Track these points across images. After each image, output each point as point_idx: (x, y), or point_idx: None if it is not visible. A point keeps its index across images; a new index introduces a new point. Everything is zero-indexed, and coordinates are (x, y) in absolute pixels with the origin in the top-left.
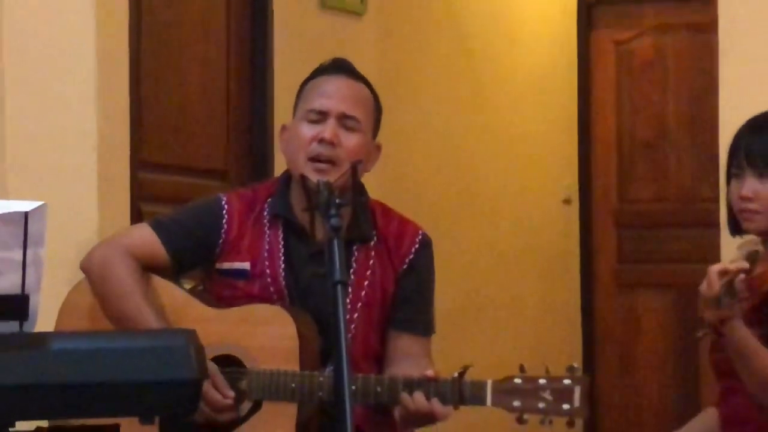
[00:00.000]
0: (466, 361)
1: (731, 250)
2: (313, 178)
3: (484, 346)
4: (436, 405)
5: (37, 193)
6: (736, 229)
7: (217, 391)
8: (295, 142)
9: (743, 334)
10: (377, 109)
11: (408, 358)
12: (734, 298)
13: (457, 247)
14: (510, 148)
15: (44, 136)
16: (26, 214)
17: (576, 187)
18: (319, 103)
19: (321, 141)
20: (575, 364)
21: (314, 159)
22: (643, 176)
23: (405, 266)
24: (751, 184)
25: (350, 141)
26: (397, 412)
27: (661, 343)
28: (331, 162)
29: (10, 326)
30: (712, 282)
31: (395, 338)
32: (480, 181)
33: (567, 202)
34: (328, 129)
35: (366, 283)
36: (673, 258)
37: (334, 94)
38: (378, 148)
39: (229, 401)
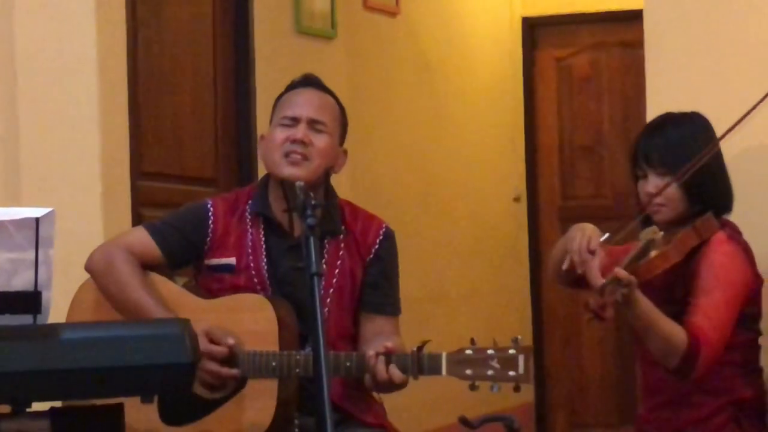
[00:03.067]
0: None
1: None
2: (288, 171)
3: (443, 330)
4: (394, 373)
5: (48, 201)
6: (647, 222)
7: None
8: (271, 145)
9: (643, 306)
10: (343, 117)
11: (380, 337)
12: (617, 286)
13: (419, 241)
14: (465, 153)
15: (54, 151)
16: (37, 220)
17: (524, 186)
18: (291, 110)
19: (294, 141)
20: (519, 336)
21: (288, 154)
22: (583, 176)
23: (371, 256)
24: (654, 182)
25: (319, 141)
26: (366, 382)
27: (600, 323)
28: (304, 157)
29: (25, 319)
30: (594, 276)
31: (368, 320)
32: (438, 182)
33: (516, 200)
34: (299, 131)
35: (337, 271)
36: None
37: (304, 102)
38: (345, 153)
39: (231, 347)
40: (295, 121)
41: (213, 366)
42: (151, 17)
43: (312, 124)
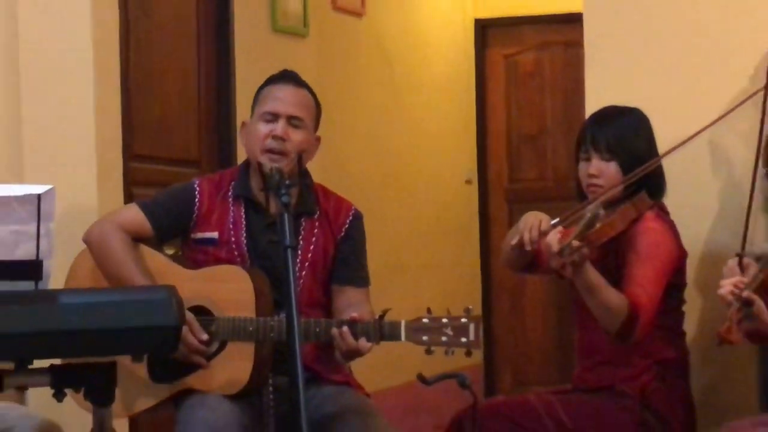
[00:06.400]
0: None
1: None
2: (268, 164)
3: (404, 298)
4: (360, 341)
5: (48, 179)
6: (583, 199)
7: (193, 335)
8: (253, 136)
9: (591, 274)
10: (317, 109)
11: (352, 306)
12: (573, 249)
13: (381, 219)
14: (422, 140)
15: (54, 135)
16: (39, 196)
17: (475, 171)
18: (272, 106)
19: (274, 137)
20: (470, 306)
21: (269, 150)
22: (528, 161)
23: (342, 234)
24: (596, 165)
25: (297, 136)
26: (336, 356)
27: (542, 293)
28: (282, 153)
29: (27, 285)
30: (554, 242)
31: (340, 291)
32: (399, 166)
33: (468, 182)
34: (279, 127)
35: (311, 247)
36: None
37: (283, 99)
38: (318, 139)
39: (203, 342)
40: (275, 116)
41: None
42: (141, 17)
43: (290, 120)
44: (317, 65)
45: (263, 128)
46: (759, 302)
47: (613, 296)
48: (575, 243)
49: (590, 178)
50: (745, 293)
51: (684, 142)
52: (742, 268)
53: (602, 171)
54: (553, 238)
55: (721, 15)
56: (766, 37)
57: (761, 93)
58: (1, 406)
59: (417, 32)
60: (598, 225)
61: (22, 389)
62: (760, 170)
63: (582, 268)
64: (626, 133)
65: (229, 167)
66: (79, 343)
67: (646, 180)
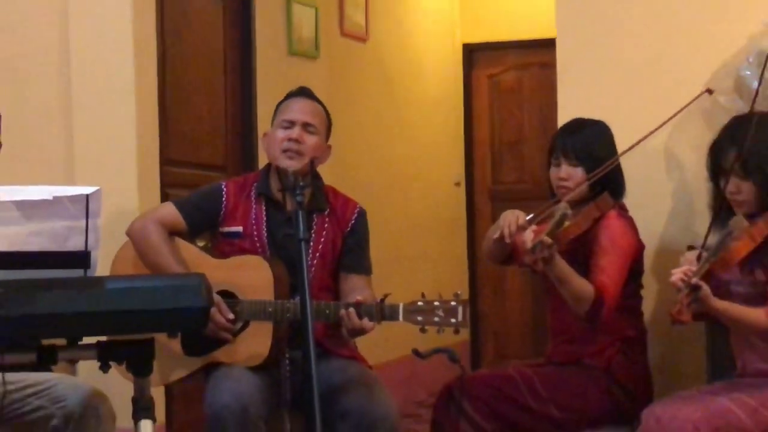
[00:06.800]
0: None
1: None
2: (285, 164)
3: (401, 284)
4: (366, 323)
5: (96, 181)
6: (553, 198)
7: (221, 315)
8: (272, 142)
9: (561, 266)
10: (328, 120)
11: (356, 291)
12: (544, 247)
13: (383, 216)
14: (418, 148)
15: (100, 143)
16: (88, 196)
17: (463, 174)
18: (289, 115)
19: (290, 140)
20: (459, 291)
21: (286, 150)
22: (508, 166)
23: (348, 228)
24: (566, 170)
25: (310, 140)
26: (343, 332)
27: (520, 280)
28: (297, 152)
29: (77, 273)
30: (527, 240)
31: (346, 278)
32: (398, 171)
33: (457, 184)
34: (295, 131)
35: (322, 239)
36: None
37: (299, 110)
38: (329, 147)
39: (230, 321)
40: (292, 124)
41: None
42: (175, 43)
43: (305, 126)
44: (327, 84)
45: (281, 134)
46: (705, 288)
47: (581, 284)
48: (546, 240)
49: (560, 181)
50: (694, 280)
51: (638, 142)
52: (700, 259)
53: (571, 175)
54: (527, 236)
55: (673, 41)
56: (710, 59)
57: (708, 104)
58: (54, 376)
59: (413, 55)
60: (566, 223)
61: (73, 362)
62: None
63: (553, 262)
64: (591, 142)
65: (251, 171)
66: (122, 322)
67: (608, 183)
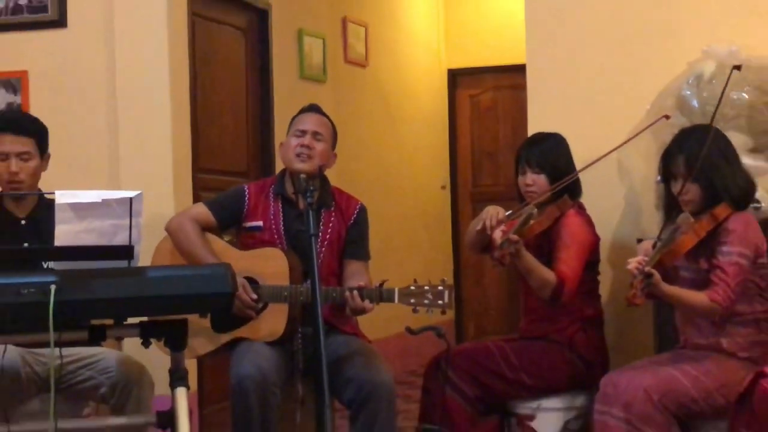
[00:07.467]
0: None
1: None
2: (298, 166)
3: (395, 271)
4: (366, 304)
5: (138, 186)
6: (522, 201)
7: (247, 295)
8: (287, 149)
9: (528, 259)
10: (334, 131)
11: (357, 274)
12: (511, 243)
13: (380, 213)
14: (410, 157)
15: (142, 154)
16: (131, 199)
17: (448, 179)
18: (302, 126)
19: (302, 146)
20: (445, 278)
21: (299, 154)
22: (486, 172)
23: (351, 222)
24: (530, 177)
25: (319, 146)
26: (346, 311)
27: (498, 270)
28: (309, 156)
29: (123, 263)
30: (497, 237)
31: (349, 264)
32: (394, 175)
33: (443, 187)
34: (306, 139)
35: (329, 231)
36: None
37: (310, 121)
38: (335, 155)
39: (253, 300)
40: (303, 132)
41: (242, 305)
42: (204, 68)
43: (315, 135)
44: (333, 104)
45: (295, 141)
46: (657, 275)
47: (545, 273)
48: (513, 237)
49: (526, 187)
50: (647, 268)
51: (598, 159)
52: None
53: (535, 181)
54: (497, 234)
55: (625, 66)
56: (656, 82)
57: (658, 122)
58: (102, 351)
59: (405, 78)
60: (531, 222)
61: (119, 339)
62: (656, 178)
63: (520, 255)
64: (549, 152)
65: (269, 175)
66: (161, 305)
67: (567, 187)
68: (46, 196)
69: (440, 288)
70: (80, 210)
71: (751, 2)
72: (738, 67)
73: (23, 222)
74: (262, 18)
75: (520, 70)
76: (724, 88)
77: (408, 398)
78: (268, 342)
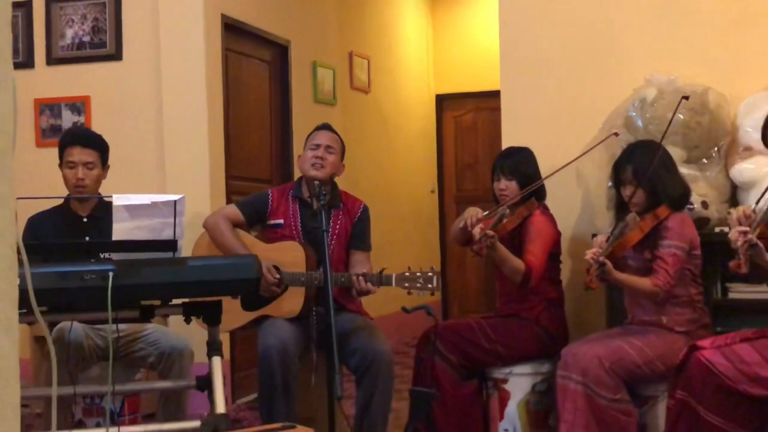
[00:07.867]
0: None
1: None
2: (312, 173)
3: (392, 261)
4: (369, 286)
5: (181, 190)
6: (497, 203)
7: (272, 276)
8: (304, 159)
9: (501, 250)
10: (342, 146)
11: (360, 262)
12: (487, 237)
13: (379, 212)
14: (404, 166)
15: (183, 164)
16: (175, 201)
17: (437, 185)
18: (317, 140)
19: (317, 157)
20: (433, 266)
21: (314, 164)
22: (467, 179)
23: (356, 219)
24: (504, 183)
25: (330, 157)
26: (352, 292)
27: (478, 259)
28: (322, 165)
29: (168, 255)
30: (476, 233)
31: (354, 254)
32: (391, 181)
33: (432, 192)
34: (320, 151)
35: (337, 227)
36: None
37: (323, 137)
38: (343, 165)
39: (276, 279)
40: (318, 146)
41: (266, 284)
42: (235, 93)
43: (327, 148)
44: (342, 123)
45: (310, 153)
46: (609, 264)
47: (516, 263)
48: (489, 233)
49: (501, 191)
50: (601, 258)
51: (560, 168)
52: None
53: (507, 186)
54: (476, 230)
55: (584, 91)
56: (607, 104)
57: (609, 138)
58: (151, 326)
59: (401, 102)
60: (505, 220)
61: (165, 317)
62: (608, 184)
63: (494, 248)
64: (519, 163)
65: (289, 182)
66: (199, 288)
67: (535, 191)
68: (105, 198)
69: (429, 274)
70: (133, 210)
71: (687, 38)
72: (686, 97)
73: (85, 220)
74: (283, 52)
75: (495, 95)
76: (674, 114)
77: (404, 365)
78: (288, 318)
